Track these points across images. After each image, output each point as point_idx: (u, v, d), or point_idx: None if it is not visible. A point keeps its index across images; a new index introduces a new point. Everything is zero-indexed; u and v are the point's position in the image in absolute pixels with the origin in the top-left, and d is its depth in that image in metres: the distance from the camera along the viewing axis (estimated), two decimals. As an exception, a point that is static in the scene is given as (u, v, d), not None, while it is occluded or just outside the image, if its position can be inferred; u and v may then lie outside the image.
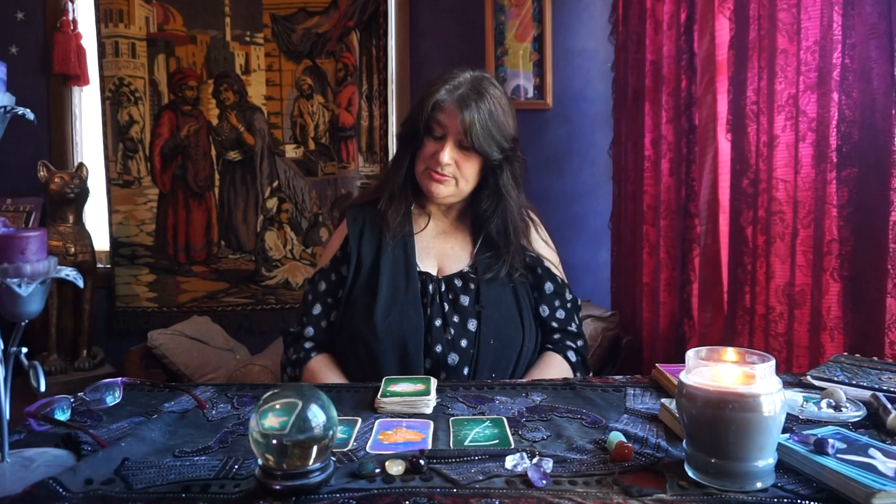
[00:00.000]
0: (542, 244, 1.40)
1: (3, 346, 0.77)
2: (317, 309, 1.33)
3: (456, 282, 1.30)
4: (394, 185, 1.33)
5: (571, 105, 2.99)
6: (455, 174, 1.27)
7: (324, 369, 1.28)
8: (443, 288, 1.29)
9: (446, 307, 1.28)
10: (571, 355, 1.32)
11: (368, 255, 1.32)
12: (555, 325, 1.34)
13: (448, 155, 1.24)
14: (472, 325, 1.26)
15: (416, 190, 1.35)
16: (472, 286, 1.30)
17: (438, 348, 1.24)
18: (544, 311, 1.34)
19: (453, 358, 1.24)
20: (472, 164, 1.27)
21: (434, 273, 1.32)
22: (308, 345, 1.31)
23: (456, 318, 1.27)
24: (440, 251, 1.35)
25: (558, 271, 1.39)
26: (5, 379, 0.77)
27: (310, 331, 1.32)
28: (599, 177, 2.96)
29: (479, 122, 1.22)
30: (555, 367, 1.29)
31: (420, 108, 1.26)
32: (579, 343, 1.35)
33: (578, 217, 3.02)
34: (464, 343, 1.25)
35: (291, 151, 3.04)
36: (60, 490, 0.68)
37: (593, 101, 2.98)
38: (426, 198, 1.34)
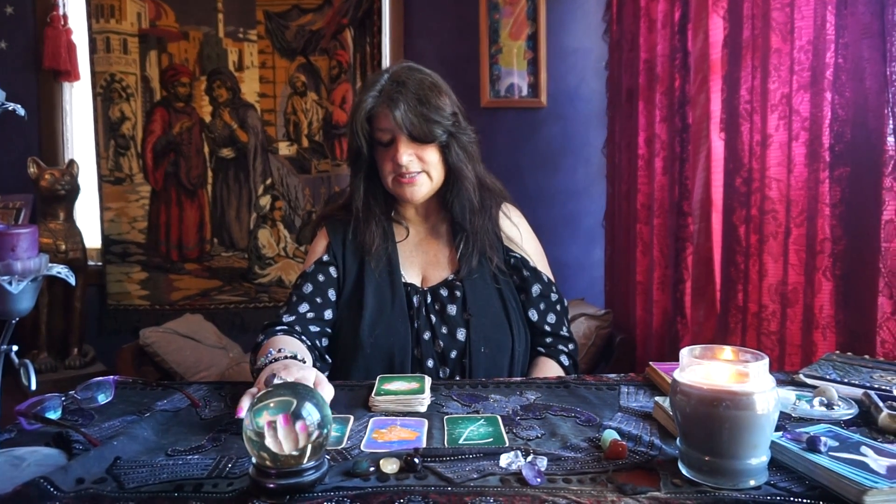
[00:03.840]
0: (512, 226, 1.36)
1: (-7, 344, 0.76)
2: (303, 307, 1.26)
3: (441, 291, 1.28)
4: (358, 211, 1.30)
5: (565, 103, 3.00)
6: (424, 168, 1.24)
7: (285, 338, 1.15)
8: (429, 299, 1.27)
9: (433, 319, 1.25)
10: (564, 359, 1.32)
11: (352, 268, 1.30)
12: (547, 328, 1.33)
13: (405, 154, 1.21)
14: (461, 334, 1.24)
15: (386, 206, 1.33)
16: (458, 293, 1.27)
17: (430, 363, 1.23)
18: (534, 315, 1.32)
19: (444, 371, 1.23)
20: (431, 152, 1.24)
21: (418, 284, 1.30)
22: (279, 328, 1.20)
23: (444, 329, 1.25)
24: (423, 260, 1.33)
25: (543, 267, 1.36)
26: (-4, 377, 0.77)
27: (287, 318, 1.23)
28: (593, 175, 2.96)
29: (412, 112, 1.19)
30: (550, 373, 1.29)
31: (356, 125, 1.24)
32: (571, 347, 1.35)
33: (572, 215, 3.03)
34: (454, 354, 1.23)
35: (285, 149, 3.03)
36: (51, 489, 0.68)
37: (587, 99, 2.99)
38: (399, 206, 1.33)
